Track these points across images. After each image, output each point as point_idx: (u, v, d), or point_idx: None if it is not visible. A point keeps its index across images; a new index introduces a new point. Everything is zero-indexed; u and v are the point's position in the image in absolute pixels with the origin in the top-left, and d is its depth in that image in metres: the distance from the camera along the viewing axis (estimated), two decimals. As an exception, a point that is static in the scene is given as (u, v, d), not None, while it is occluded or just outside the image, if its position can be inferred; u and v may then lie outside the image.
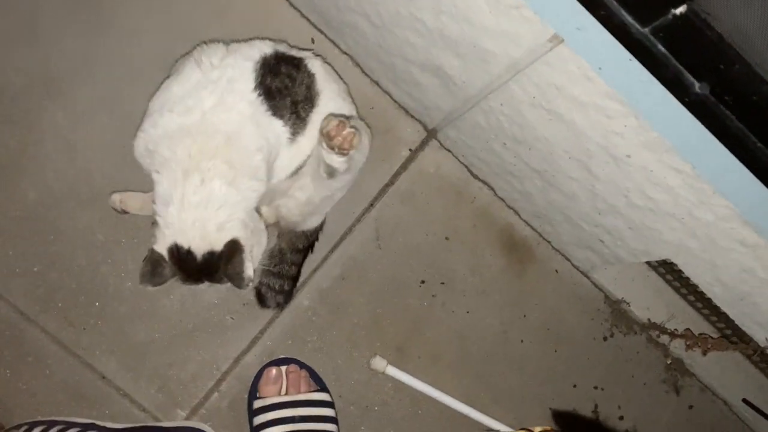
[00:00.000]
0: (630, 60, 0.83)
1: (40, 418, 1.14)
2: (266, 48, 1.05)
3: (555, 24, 0.90)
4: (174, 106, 0.98)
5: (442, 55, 1.17)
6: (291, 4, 1.37)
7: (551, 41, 0.95)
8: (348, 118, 1.10)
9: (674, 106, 0.84)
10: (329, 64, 1.20)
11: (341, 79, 1.22)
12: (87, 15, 1.25)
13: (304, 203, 1.15)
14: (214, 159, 0.95)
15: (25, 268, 1.19)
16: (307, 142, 1.08)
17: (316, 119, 1.07)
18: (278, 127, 1.03)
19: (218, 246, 0.98)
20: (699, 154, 0.91)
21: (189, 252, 0.97)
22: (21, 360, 1.17)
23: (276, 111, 1.01)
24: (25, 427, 1.11)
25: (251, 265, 0.99)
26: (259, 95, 1.00)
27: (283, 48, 1.09)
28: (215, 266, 0.99)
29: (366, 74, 1.40)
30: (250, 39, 1.14)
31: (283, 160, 1.07)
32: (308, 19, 1.38)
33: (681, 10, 0.73)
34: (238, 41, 1.11)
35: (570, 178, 1.22)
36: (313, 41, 1.38)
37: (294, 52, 1.10)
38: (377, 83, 1.41)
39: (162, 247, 0.98)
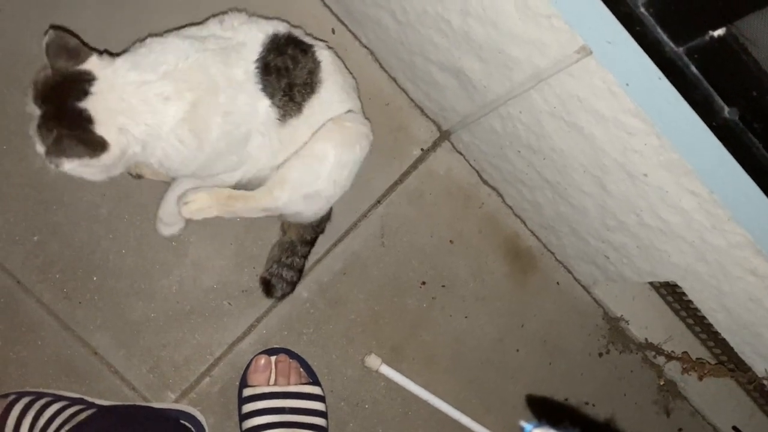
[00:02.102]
0: (659, 78, 0.82)
1: (28, 389, 1.13)
2: (281, 27, 1.07)
3: (585, 35, 0.89)
4: (186, 35, 1.01)
5: (465, 58, 1.15)
6: (314, -8, 1.35)
7: (579, 53, 0.93)
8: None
9: (700, 129, 0.83)
10: (340, 58, 1.19)
11: (350, 74, 1.22)
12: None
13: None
14: (187, 89, 0.94)
15: (25, 237, 1.17)
16: (304, 129, 1.08)
17: (315, 107, 1.07)
18: (264, 105, 1.02)
19: (100, 127, 0.90)
20: (719, 180, 0.90)
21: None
22: (14, 329, 1.16)
23: (266, 88, 1.01)
24: (12, 397, 1.10)
25: (69, 164, 0.91)
26: (257, 68, 1.00)
27: (298, 32, 1.10)
28: (69, 113, 0.91)
29: (384, 69, 1.39)
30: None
31: (273, 141, 1.06)
32: (330, 9, 1.36)
33: (719, 32, 0.72)
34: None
35: (582, 191, 1.21)
36: (333, 32, 1.36)
37: (307, 39, 1.10)
38: (395, 80, 1.39)
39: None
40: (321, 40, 1.16)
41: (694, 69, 0.78)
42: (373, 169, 1.37)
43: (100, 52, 0.96)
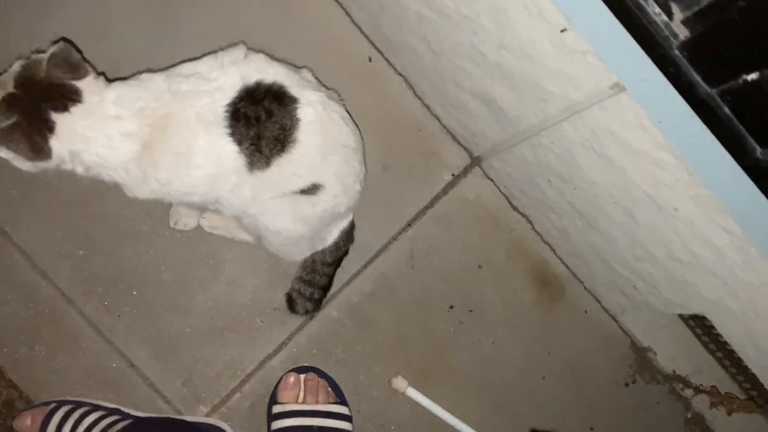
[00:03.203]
0: (692, 117, 0.84)
1: (68, 398, 1.17)
2: (269, 76, 1.02)
3: (619, 73, 0.91)
4: (172, 74, 1.03)
5: (498, 88, 1.18)
6: (352, 21, 1.39)
7: (612, 89, 0.95)
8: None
9: (732, 167, 0.84)
10: (347, 114, 1.12)
11: (357, 138, 1.13)
12: (157, 13, 1.29)
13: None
14: (148, 128, 0.96)
15: (71, 251, 1.23)
16: (269, 186, 1.04)
17: (284, 165, 1.02)
18: (231, 150, 0.99)
19: (56, 141, 0.94)
20: (751, 218, 0.91)
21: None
22: (57, 339, 1.21)
23: (234, 134, 0.99)
24: (53, 405, 1.14)
25: (4, 153, 0.95)
26: (226, 112, 0.99)
27: (293, 79, 1.04)
28: (37, 112, 0.94)
29: (417, 96, 1.42)
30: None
31: (245, 190, 1.03)
32: (367, 37, 1.41)
33: (753, 76, 0.74)
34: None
35: (612, 221, 1.22)
36: (370, 60, 1.40)
37: (294, 91, 1.03)
38: (427, 106, 1.42)
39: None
40: (329, 89, 1.13)
41: (726, 110, 0.79)
42: (404, 193, 1.40)
43: (97, 74, 1.00)
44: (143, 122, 0.96)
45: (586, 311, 1.47)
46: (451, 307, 1.39)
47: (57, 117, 0.94)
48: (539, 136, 1.20)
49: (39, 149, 0.94)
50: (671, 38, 0.79)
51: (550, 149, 1.20)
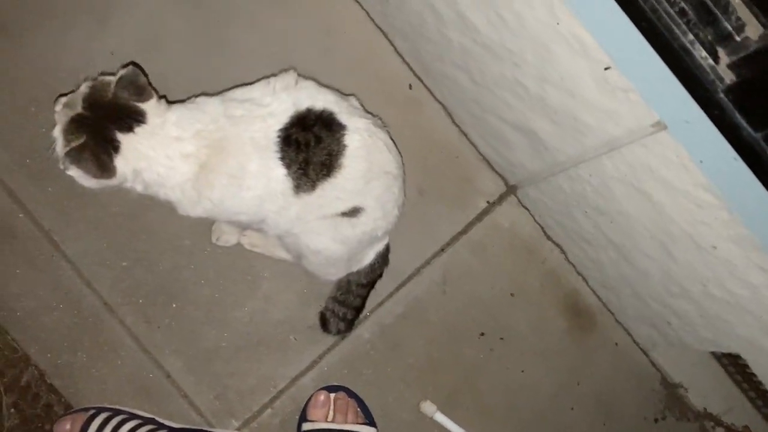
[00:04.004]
0: (735, 159, 0.85)
1: (106, 405, 1.21)
2: (320, 102, 1.06)
3: (662, 112, 0.93)
4: (227, 98, 1.07)
5: (538, 120, 1.20)
6: (395, 49, 1.43)
7: (654, 127, 0.97)
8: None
9: (773, 209, 0.85)
10: (391, 141, 1.14)
11: (399, 165, 1.16)
12: (207, 34, 1.34)
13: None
14: (205, 150, 1.00)
15: (114, 262, 1.27)
16: (313, 208, 1.07)
17: (329, 189, 1.05)
18: (280, 173, 1.03)
19: (120, 161, 0.98)
20: (791, 260, 0.91)
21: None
22: (97, 348, 1.24)
23: (284, 158, 1.03)
24: (92, 411, 1.18)
25: (74, 172, 0.98)
26: (278, 137, 1.02)
27: (342, 106, 1.07)
28: (104, 133, 0.98)
29: (456, 124, 1.44)
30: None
31: (290, 211, 1.07)
32: (409, 65, 1.44)
33: (799, 122, 0.75)
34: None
35: (647, 256, 1.22)
36: (410, 87, 1.43)
37: (343, 118, 1.06)
38: (465, 134, 1.45)
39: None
40: (373, 115, 1.15)
41: (770, 153, 0.80)
42: (439, 218, 1.42)
43: (160, 97, 1.04)
44: (201, 144, 1.00)
45: (616, 344, 1.47)
46: (482, 333, 1.40)
47: (122, 137, 0.98)
48: (577, 168, 1.21)
49: (105, 168, 0.98)
50: (717, 82, 0.81)
51: (587, 181, 1.21)
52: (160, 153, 0.99)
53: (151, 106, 1.00)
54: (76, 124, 0.98)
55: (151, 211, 1.28)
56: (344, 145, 1.05)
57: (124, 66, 1.01)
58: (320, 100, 1.06)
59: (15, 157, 1.26)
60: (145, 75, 1.02)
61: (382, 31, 1.43)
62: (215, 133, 1.01)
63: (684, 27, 0.81)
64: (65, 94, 1.05)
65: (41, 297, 1.24)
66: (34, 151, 1.26)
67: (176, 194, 1.03)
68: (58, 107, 1.03)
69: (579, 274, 1.46)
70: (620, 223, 1.22)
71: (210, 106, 1.04)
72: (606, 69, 0.96)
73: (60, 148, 1.00)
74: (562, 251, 1.46)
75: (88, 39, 1.30)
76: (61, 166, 0.98)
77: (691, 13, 0.81)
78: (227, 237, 1.29)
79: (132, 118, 0.98)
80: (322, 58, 1.38)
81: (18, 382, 1.26)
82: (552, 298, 1.45)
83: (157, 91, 1.03)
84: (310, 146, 1.03)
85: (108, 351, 1.25)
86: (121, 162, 0.99)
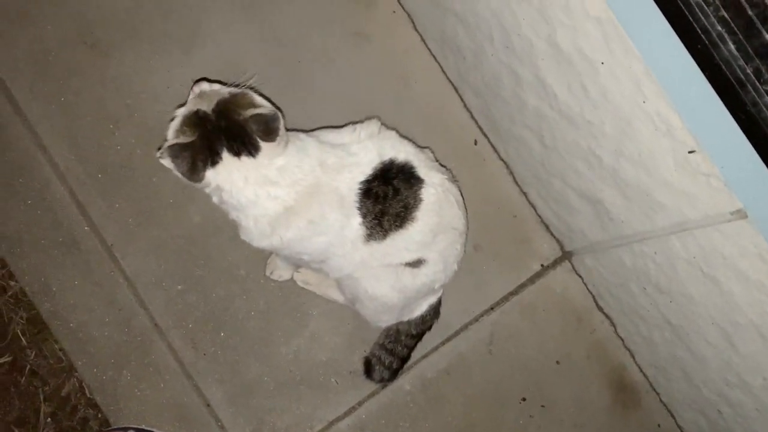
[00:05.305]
0: (822, 259, 0.83)
1: (144, 426, 1.21)
2: (402, 154, 1.08)
3: (746, 201, 0.92)
4: (320, 139, 1.09)
5: (607, 191, 1.19)
6: (464, 104, 1.45)
7: (734, 214, 0.95)
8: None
9: None
10: (461, 197, 1.18)
11: (465, 222, 1.18)
12: (288, 74, 1.38)
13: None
14: (293, 196, 1.01)
15: (170, 285, 1.28)
16: (379, 256, 1.09)
17: (398, 240, 1.07)
18: (356, 221, 1.05)
19: (210, 175, 0.99)
20: None
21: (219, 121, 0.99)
22: (143, 368, 1.25)
23: (362, 208, 1.05)
24: (131, 431, 1.18)
25: (167, 164, 0.98)
26: (360, 189, 1.04)
27: (420, 159, 1.10)
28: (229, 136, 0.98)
29: (517, 183, 1.45)
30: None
31: (355, 255, 1.08)
32: (476, 122, 1.45)
33: None
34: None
35: (706, 341, 1.19)
36: (476, 142, 1.45)
37: (422, 172, 1.09)
38: (525, 194, 1.45)
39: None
40: (446, 169, 1.17)
41: None
42: (492, 276, 1.41)
43: (282, 142, 1.03)
44: (293, 190, 1.01)
45: (659, 425, 1.43)
46: (524, 399, 1.37)
47: (227, 156, 0.98)
48: (642, 244, 1.19)
49: (195, 173, 0.98)
50: (811, 180, 0.80)
51: (651, 258, 1.19)
52: (250, 187, 1.00)
53: (268, 147, 1.00)
54: (195, 120, 0.99)
55: (213, 237, 1.30)
56: (420, 199, 1.06)
57: (276, 108, 1.02)
58: (402, 151, 1.08)
59: (89, 170, 1.29)
60: (284, 119, 1.03)
61: (453, 85, 1.46)
62: (309, 181, 1.02)
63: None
64: (209, 80, 1.05)
65: (95, 311, 1.25)
66: (108, 167, 1.30)
67: (249, 223, 1.04)
68: (196, 89, 1.03)
69: (627, 348, 1.43)
70: (681, 305, 1.19)
71: (312, 149, 1.04)
72: (690, 152, 0.95)
73: (170, 133, 1.00)
74: (612, 323, 1.43)
75: (172, 66, 1.35)
76: (158, 153, 0.99)
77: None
78: (281, 272, 1.30)
79: (246, 148, 0.99)
80: (395, 105, 1.40)
81: (59, 392, 1.27)
82: (597, 371, 1.42)
83: (284, 137, 1.02)
84: (387, 198, 1.05)
85: (153, 372, 1.25)
86: (211, 174, 0.99)
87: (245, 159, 0.99)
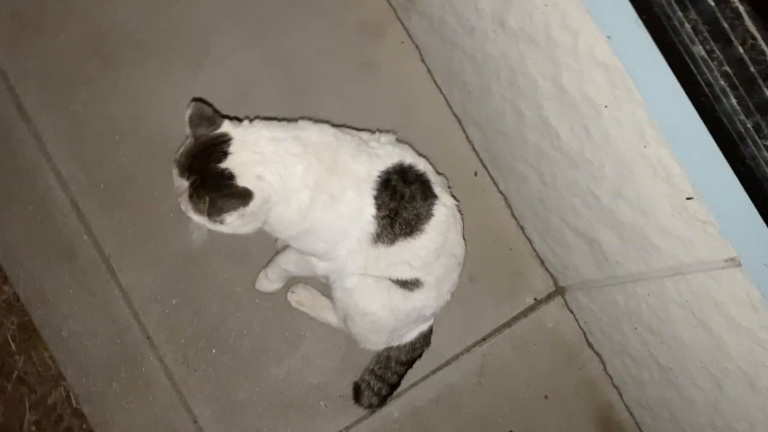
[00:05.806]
0: (813, 312, 0.85)
1: (130, 441, 1.20)
2: (421, 165, 1.12)
3: (740, 250, 0.93)
4: (339, 131, 1.10)
5: (603, 231, 1.21)
6: (467, 137, 1.47)
7: (727, 262, 0.97)
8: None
9: None
10: (462, 230, 1.20)
11: (464, 253, 1.21)
12: (292, 97, 1.40)
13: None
14: (314, 157, 1.03)
15: (165, 299, 1.28)
16: (381, 264, 1.10)
17: (404, 250, 1.09)
18: (369, 212, 1.06)
19: (241, 180, 0.99)
20: None
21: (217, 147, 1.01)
22: (132, 381, 1.25)
23: (378, 198, 1.06)
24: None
25: (230, 218, 0.99)
26: (379, 177, 1.06)
27: (437, 180, 1.14)
28: (213, 176, 1.00)
29: (514, 217, 1.46)
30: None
31: (359, 257, 1.09)
32: (477, 154, 1.47)
33: None
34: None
35: (694, 384, 1.20)
36: (476, 174, 1.47)
37: (437, 189, 1.13)
38: (522, 228, 1.47)
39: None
40: (455, 200, 1.19)
41: None
42: (485, 308, 1.42)
43: (231, 118, 1.06)
44: (307, 149, 1.02)
45: (644, 466, 1.43)
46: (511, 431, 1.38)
47: (225, 165, 0.99)
48: (635, 285, 1.21)
49: (239, 194, 0.98)
50: (805, 235, 0.82)
51: (644, 299, 1.21)
52: (266, 150, 1.00)
53: (227, 126, 1.01)
54: (195, 195, 1.00)
55: (208, 255, 1.30)
56: (432, 214, 1.09)
57: (188, 105, 1.04)
58: (421, 162, 1.11)
59: (91, 180, 1.30)
60: (209, 105, 1.04)
61: (457, 117, 1.48)
62: (322, 147, 1.03)
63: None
64: (205, 101, 1.08)
65: (88, 321, 1.25)
66: (111, 178, 1.30)
67: (287, 209, 1.03)
68: (176, 183, 1.04)
69: (615, 387, 1.44)
70: (671, 347, 1.21)
71: (327, 128, 1.07)
72: (688, 199, 0.97)
73: (203, 220, 1.01)
74: (602, 361, 1.44)
75: (180, 83, 1.36)
76: (222, 224, 0.99)
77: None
78: (267, 284, 1.30)
79: (220, 144, 1.00)
80: (399, 134, 1.41)
81: (45, 400, 1.26)
82: (585, 407, 1.42)
83: (228, 116, 1.04)
84: (404, 198, 1.07)
85: (142, 386, 1.25)
86: (242, 180, 0.99)
87: (233, 149, 1.00)
